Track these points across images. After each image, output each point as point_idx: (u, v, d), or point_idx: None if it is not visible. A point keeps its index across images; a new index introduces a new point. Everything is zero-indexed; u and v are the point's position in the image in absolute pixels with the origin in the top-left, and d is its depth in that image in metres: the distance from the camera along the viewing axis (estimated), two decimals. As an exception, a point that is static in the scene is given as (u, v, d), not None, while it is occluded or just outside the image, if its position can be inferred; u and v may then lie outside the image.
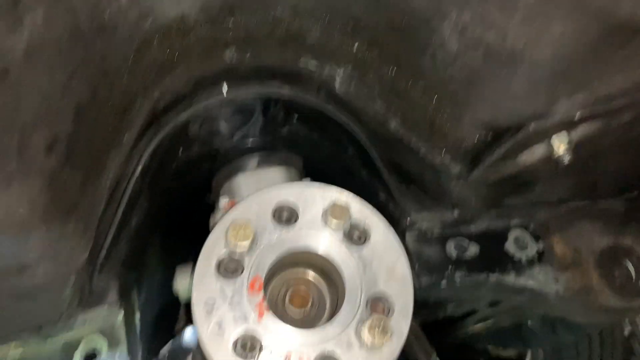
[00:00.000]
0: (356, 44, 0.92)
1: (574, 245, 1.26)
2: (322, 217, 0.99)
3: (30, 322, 1.03)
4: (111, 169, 0.92)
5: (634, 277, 1.25)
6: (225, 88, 1.12)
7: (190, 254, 1.98)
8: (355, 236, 0.99)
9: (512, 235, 1.26)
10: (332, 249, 0.98)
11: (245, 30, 0.94)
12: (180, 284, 1.17)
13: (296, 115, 1.32)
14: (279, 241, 0.97)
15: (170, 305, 1.75)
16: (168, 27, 0.85)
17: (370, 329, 0.87)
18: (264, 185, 1.18)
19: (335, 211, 0.98)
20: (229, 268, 0.93)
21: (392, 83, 0.92)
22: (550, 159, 0.88)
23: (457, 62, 0.76)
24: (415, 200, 1.23)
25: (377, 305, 0.93)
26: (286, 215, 0.99)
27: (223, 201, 1.22)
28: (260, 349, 0.87)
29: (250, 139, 1.33)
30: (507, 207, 1.24)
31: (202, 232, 1.36)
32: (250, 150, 1.34)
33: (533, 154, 0.92)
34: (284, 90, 1.14)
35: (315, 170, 1.50)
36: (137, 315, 1.20)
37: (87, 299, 1.05)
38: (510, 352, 3.38)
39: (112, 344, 1.06)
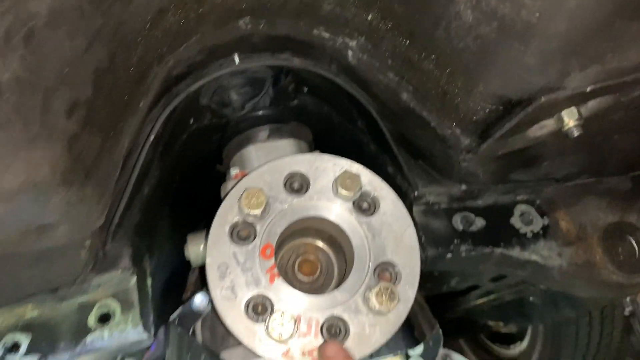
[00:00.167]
0: (370, 15, 0.92)
1: (579, 221, 1.28)
2: (332, 187, 1.01)
3: (47, 285, 1.05)
4: (127, 135, 0.93)
5: (637, 253, 1.27)
6: (237, 59, 1.13)
7: (198, 223, 2.02)
8: (365, 206, 1.01)
9: (518, 210, 1.28)
10: (342, 218, 1.00)
11: (260, 0, 0.95)
12: (191, 251, 1.19)
13: (306, 88, 1.32)
14: (290, 209, 0.99)
15: (179, 272, 1.79)
16: None
17: (378, 295, 0.90)
18: (274, 157, 1.20)
19: (345, 181, 0.99)
20: (242, 235, 0.95)
21: (405, 55, 0.92)
22: (560, 134, 0.88)
23: (471, 33, 0.76)
24: (424, 174, 1.24)
25: (385, 273, 0.95)
26: (297, 185, 1.01)
27: (234, 171, 1.24)
28: (271, 312, 0.90)
29: (261, 111, 1.34)
30: (514, 183, 1.25)
31: (211, 201, 1.38)
32: (261, 121, 1.36)
33: (542, 128, 0.92)
34: (296, 61, 1.15)
35: (325, 142, 1.52)
36: (149, 281, 1.22)
37: (101, 263, 1.07)
38: (511, 328, 3.43)
39: (125, 308, 1.08)
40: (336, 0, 0.92)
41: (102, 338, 1.04)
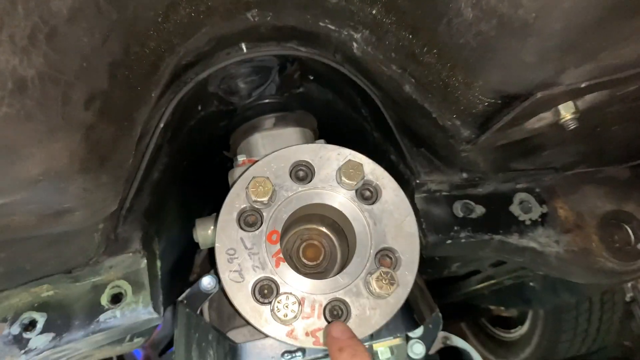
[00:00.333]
0: (374, 10, 0.94)
1: (577, 210, 1.31)
2: (336, 175, 1.05)
3: (62, 266, 1.09)
4: (139, 124, 0.97)
5: (633, 241, 1.29)
6: (244, 47, 1.15)
7: (205, 205, 2.05)
8: (367, 194, 1.05)
9: (518, 198, 1.31)
10: (345, 206, 1.04)
11: None
12: (200, 234, 1.23)
13: (312, 76, 1.34)
14: (296, 197, 1.03)
15: (186, 253, 1.83)
16: None
17: (378, 280, 0.94)
18: (279, 145, 1.23)
19: (348, 171, 1.03)
20: (249, 221, 0.99)
21: (408, 48, 0.95)
22: (557, 125, 0.91)
23: (471, 30, 0.78)
24: (426, 162, 1.26)
25: (385, 258, 0.99)
26: (302, 173, 1.05)
27: (241, 158, 1.28)
28: (277, 294, 0.94)
29: (267, 99, 1.37)
30: (514, 172, 1.28)
31: (217, 184, 1.41)
32: (267, 110, 1.38)
33: (540, 120, 0.94)
34: (302, 50, 1.17)
35: (330, 130, 1.54)
36: (158, 263, 1.26)
37: (113, 246, 1.11)
38: (513, 312, 3.47)
39: (136, 289, 1.12)
40: None
41: (115, 317, 1.08)
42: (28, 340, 1.05)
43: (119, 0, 0.74)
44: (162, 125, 1.11)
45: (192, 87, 1.14)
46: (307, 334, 0.94)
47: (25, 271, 1.05)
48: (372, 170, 1.06)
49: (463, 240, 1.24)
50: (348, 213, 1.03)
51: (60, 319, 1.07)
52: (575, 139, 1.14)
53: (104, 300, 1.11)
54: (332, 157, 1.06)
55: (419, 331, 1.15)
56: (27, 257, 1.00)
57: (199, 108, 1.32)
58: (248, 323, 0.94)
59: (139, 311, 1.09)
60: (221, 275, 0.95)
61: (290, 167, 1.04)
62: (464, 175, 1.26)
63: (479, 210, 1.27)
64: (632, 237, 1.30)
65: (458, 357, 1.26)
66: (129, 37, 0.80)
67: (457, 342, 1.25)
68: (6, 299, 1.09)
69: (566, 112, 0.88)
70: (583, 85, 0.79)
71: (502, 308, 3.32)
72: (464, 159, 1.15)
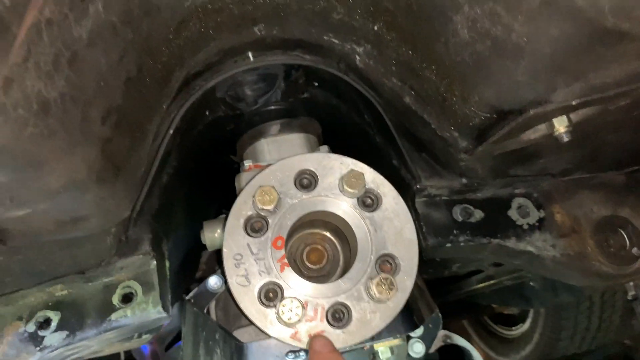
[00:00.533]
0: (376, 26, 0.98)
1: (573, 214, 1.33)
2: (338, 184, 1.08)
3: (75, 267, 1.13)
4: (151, 133, 1.01)
5: (627, 245, 1.32)
6: (251, 57, 1.19)
7: (210, 205, 2.08)
8: (368, 202, 1.08)
9: (516, 203, 1.33)
10: (347, 213, 1.08)
11: (274, 7, 1.01)
12: (207, 237, 1.27)
13: (316, 82, 1.37)
14: (300, 204, 1.07)
15: (192, 251, 1.86)
16: (204, 7, 0.93)
17: (378, 285, 0.98)
18: (284, 150, 1.27)
19: (350, 180, 1.07)
20: (255, 227, 1.03)
21: (408, 63, 0.98)
22: (551, 137, 0.94)
23: (467, 49, 0.82)
24: (427, 166, 1.29)
25: (385, 264, 1.03)
26: (307, 181, 1.09)
27: (247, 164, 1.31)
28: (281, 298, 0.99)
29: (273, 105, 1.40)
30: (512, 177, 1.30)
31: (221, 186, 1.42)
32: (273, 116, 1.41)
33: (536, 132, 0.98)
34: (307, 58, 1.20)
35: (333, 134, 1.57)
36: (167, 263, 1.28)
37: (124, 247, 1.15)
38: (514, 309, 3.49)
39: (146, 289, 1.14)
40: (345, 10, 0.98)
41: (125, 316, 1.11)
42: (43, 337, 1.09)
43: (134, 20, 0.78)
44: (171, 131, 1.14)
45: (201, 94, 1.18)
46: (310, 336, 0.99)
47: (40, 272, 1.09)
48: (373, 178, 1.10)
49: (462, 244, 1.27)
50: (350, 220, 1.07)
51: (73, 318, 1.11)
52: (570, 148, 1.16)
53: (115, 299, 1.14)
54: (335, 166, 1.10)
55: (419, 331, 1.18)
56: (42, 259, 1.04)
57: (207, 113, 1.36)
58: (254, 325, 0.98)
59: (149, 311, 1.12)
60: (229, 280, 1.00)
61: (295, 176, 1.08)
62: (464, 180, 1.28)
63: (478, 214, 1.30)
64: (627, 241, 1.32)
65: (459, 355, 1.29)
66: (143, 54, 0.84)
67: (458, 340, 1.27)
68: (22, 298, 1.13)
69: (560, 125, 0.91)
70: (574, 102, 0.82)
71: (503, 307, 3.35)
72: (463, 166, 1.18)
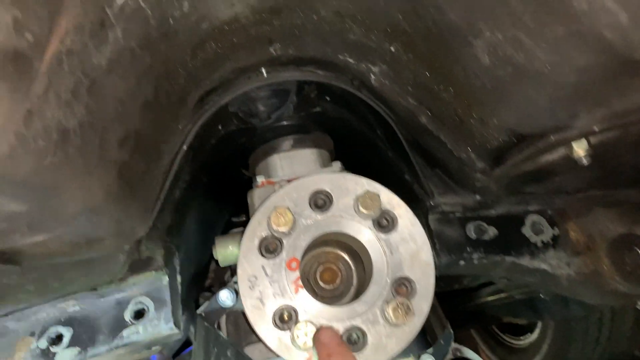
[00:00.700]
0: (392, 47, 0.97)
1: (588, 232, 1.31)
2: (354, 205, 1.07)
3: (88, 283, 1.14)
4: (166, 154, 1.01)
5: (644, 264, 1.30)
6: (264, 73, 1.18)
7: (220, 218, 2.07)
8: (384, 223, 1.07)
9: (530, 220, 1.32)
10: (362, 234, 1.07)
11: (290, 28, 1.00)
12: (219, 253, 1.26)
13: (328, 97, 1.36)
14: (315, 225, 1.06)
15: (202, 264, 1.85)
16: (221, 29, 0.92)
17: (395, 309, 0.97)
18: (297, 166, 1.26)
19: (366, 201, 1.06)
20: (270, 248, 1.03)
21: (425, 84, 0.97)
22: (570, 159, 0.93)
23: (487, 74, 0.81)
24: (440, 182, 1.28)
25: (401, 287, 1.02)
26: (321, 202, 1.08)
27: (260, 179, 1.31)
28: (296, 321, 0.98)
29: (285, 121, 1.40)
30: (527, 195, 1.29)
31: (232, 198, 1.40)
32: (285, 131, 1.41)
33: (553, 155, 0.96)
34: (320, 74, 1.19)
35: (344, 148, 1.57)
36: (179, 278, 1.28)
37: (136, 264, 1.15)
38: (522, 319, 3.46)
39: (158, 305, 1.15)
40: (361, 31, 0.98)
41: (137, 332, 1.11)
42: (55, 354, 1.09)
43: (152, 45, 0.78)
44: (185, 147, 1.14)
45: (214, 110, 1.18)
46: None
47: (53, 288, 1.09)
48: (389, 200, 1.09)
49: (475, 262, 1.26)
50: (365, 241, 1.06)
51: (85, 334, 1.11)
52: (588, 168, 1.15)
53: (127, 315, 1.14)
54: (350, 187, 1.09)
55: (430, 350, 1.17)
56: (56, 277, 1.03)
57: (220, 128, 1.36)
58: (269, 350, 0.97)
59: (161, 327, 1.12)
60: (243, 302, 0.99)
61: (310, 196, 1.07)
62: (477, 197, 1.27)
63: (492, 231, 1.29)
64: (644, 260, 1.31)
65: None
66: (160, 77, 0.84)
67: (468, 353, 1.26)
68: (34, 313, 1.13)
69: (579, 148, 0.90)
70: (596, 129, 0.81)
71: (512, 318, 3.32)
72: (478, 184, 1.17)
